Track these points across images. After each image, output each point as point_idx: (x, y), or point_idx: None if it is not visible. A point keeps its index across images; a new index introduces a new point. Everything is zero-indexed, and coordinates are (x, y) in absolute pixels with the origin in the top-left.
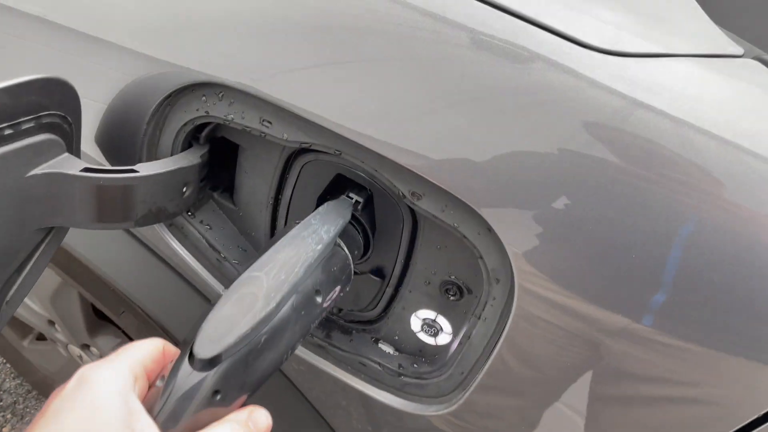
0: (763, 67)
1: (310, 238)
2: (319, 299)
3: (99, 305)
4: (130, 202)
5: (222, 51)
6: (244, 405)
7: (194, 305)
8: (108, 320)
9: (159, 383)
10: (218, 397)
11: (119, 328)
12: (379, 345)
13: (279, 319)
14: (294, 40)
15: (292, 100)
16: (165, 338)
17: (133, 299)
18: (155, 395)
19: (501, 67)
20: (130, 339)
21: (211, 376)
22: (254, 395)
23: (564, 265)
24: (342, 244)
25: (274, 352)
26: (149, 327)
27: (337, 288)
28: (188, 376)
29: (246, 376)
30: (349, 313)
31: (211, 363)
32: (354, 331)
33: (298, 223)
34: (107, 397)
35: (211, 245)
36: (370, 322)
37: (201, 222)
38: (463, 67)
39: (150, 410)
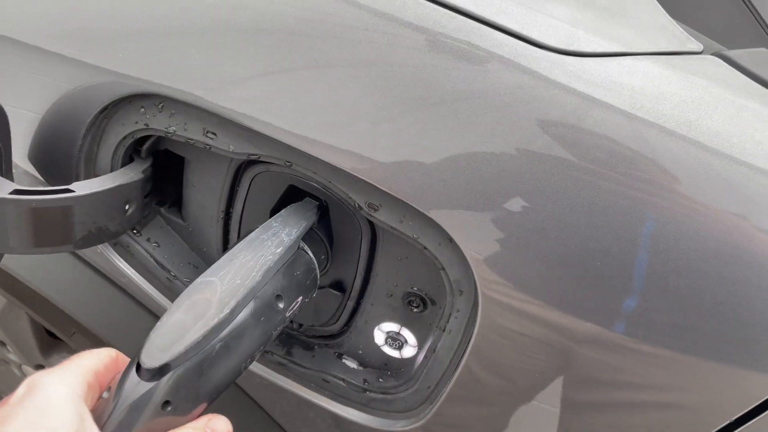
0: (723, 63)
1: (270, 241)
2: (281, 305)
3: (48, 326)
4: (67, 224)
5: (161, 58)
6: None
7: (146, 326)
8: (61, 339)
9: (105, 395)
10: (169, 408)
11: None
12: (343, 360)
13: (235, 326)
14: (237, 46)
15: (237, 109)
16: None
17: (81, 322)
18: (102, 406)
19: (456, 70)
20: None
21: (160, 386)
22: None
23: (528, 273)
24: (306, 247)
25: (231, 361)
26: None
27: (302, 294)
28: (135, 386)
29: (200, 386)
30: (310, 328)
31: (159, 372)
32: (316, 347)
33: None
34: (58, 402)
35: (159, 264)
36: (333, 336)
37: (148, 240)
38: (416, 71)
39: (97, 421)
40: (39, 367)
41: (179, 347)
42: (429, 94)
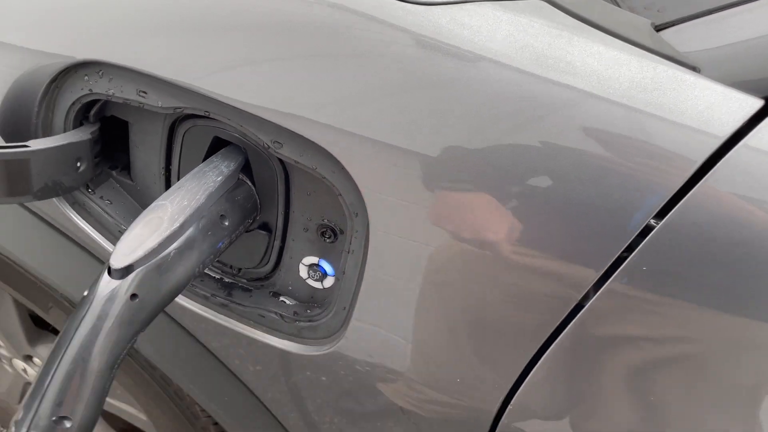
0: (547, 4)
1: (212, 172)
2: (226, 223)
3: (27, 303)
4: (25, 176)
5: (97, 34)
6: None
7: None
8: (45, 327)
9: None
10: (137, 300)
11: (55, 333)
12: (278, 298)
13: (186, 238)
14: (155, 17)
15: (161, 71)
16: None
17: (52, 284)
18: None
19: (327, 24)
20: None
21: (127, 282)
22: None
23: (407, 193)
24: (245, 178)
25: (184, 265)
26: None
27: (245, 215)
28: (108, 283)
29: (161, 282)
30: (247, 271)
31: (126, 271)
32: (253, 289)
33: None
34: None
35: (113, 218)
36: (267, 277)
37: (101, 198)
38: (297, 27)
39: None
40: (27, 357)
41: (140, 252)
42: (309, 47)
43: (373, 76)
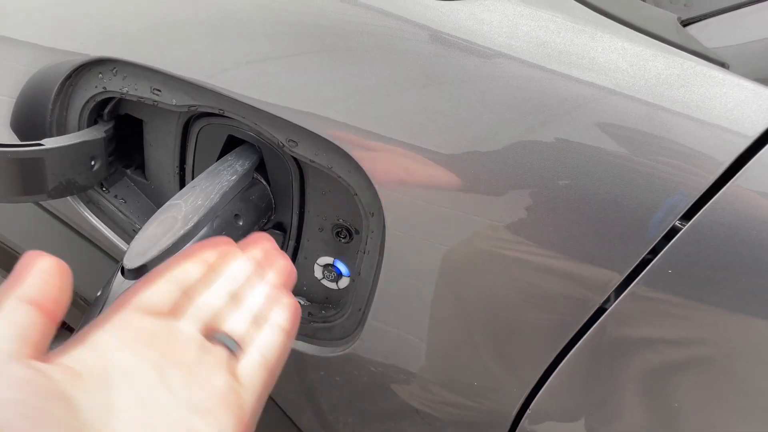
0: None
1: (226, 171)
2: (240, 222)
3: None
4: (39, 174)
5: (112, 31)
6: None
7: None
8: (61, 325)
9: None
10: None
11: (70, 331)
12: None
13: (200, 238)
14: (169, 15)
15: (175, 69)
16: None
17: None
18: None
19: (342, 20)
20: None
21: None
22: None
23: (422, 194)
24: (260, 177)
25: None
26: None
27: (259, 215)
28: (121, 284)
29: None
30: None
31: (139, 271)
32: None
33: None
34: None
35: (127, 217)
36: None
37: (115, 196)
38: (312, 23)
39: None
40: None
41: (153, 251)
42: (327, 42)
43: (389, 74)
